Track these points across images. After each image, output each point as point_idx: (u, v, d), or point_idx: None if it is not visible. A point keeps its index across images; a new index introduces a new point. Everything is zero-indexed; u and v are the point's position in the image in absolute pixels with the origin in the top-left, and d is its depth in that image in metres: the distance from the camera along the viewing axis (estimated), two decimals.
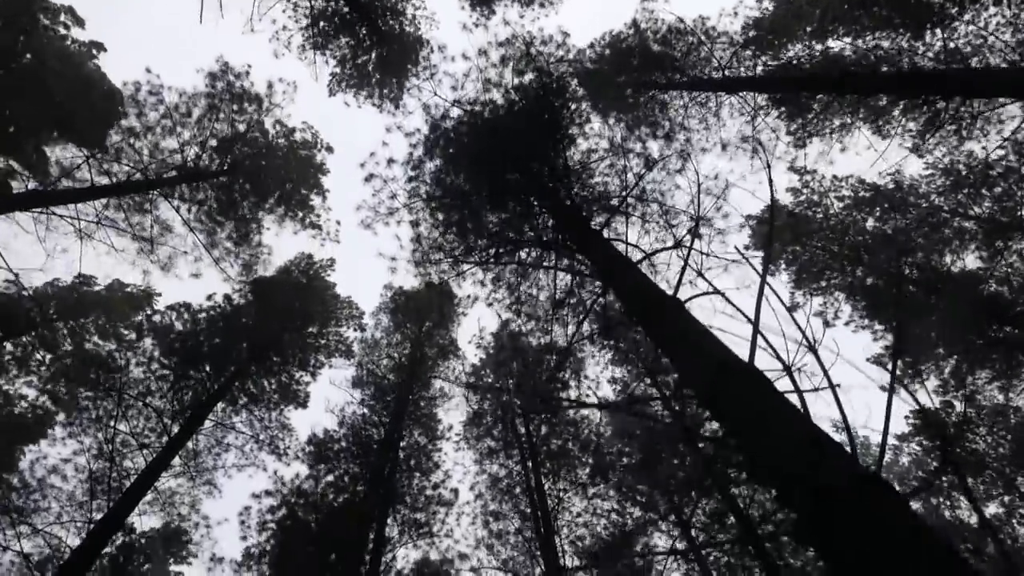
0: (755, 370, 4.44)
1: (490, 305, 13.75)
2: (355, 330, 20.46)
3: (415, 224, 13.36)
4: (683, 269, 6.50)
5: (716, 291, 6.57)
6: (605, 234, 10.76)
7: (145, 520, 15.13)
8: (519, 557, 16.19)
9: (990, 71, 10.13)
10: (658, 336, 5.67)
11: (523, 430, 18.34)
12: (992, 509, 19.58)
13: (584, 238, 8.88)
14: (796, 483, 3.37)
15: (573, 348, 12.39)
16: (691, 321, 5.39)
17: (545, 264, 11.27)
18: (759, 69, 15.81)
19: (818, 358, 4.62)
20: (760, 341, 5.82)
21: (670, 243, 9.49)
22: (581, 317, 10.52)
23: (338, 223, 17.11)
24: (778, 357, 4.89)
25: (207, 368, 15.79)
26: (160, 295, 18.55)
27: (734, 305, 5.70)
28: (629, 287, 6.37)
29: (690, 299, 6.12)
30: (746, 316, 5.45)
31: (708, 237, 10.20)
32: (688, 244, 7.68)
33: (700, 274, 6.18)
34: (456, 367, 20.46)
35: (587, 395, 19.66)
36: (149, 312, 18.01)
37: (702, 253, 8.65)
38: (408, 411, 17.71)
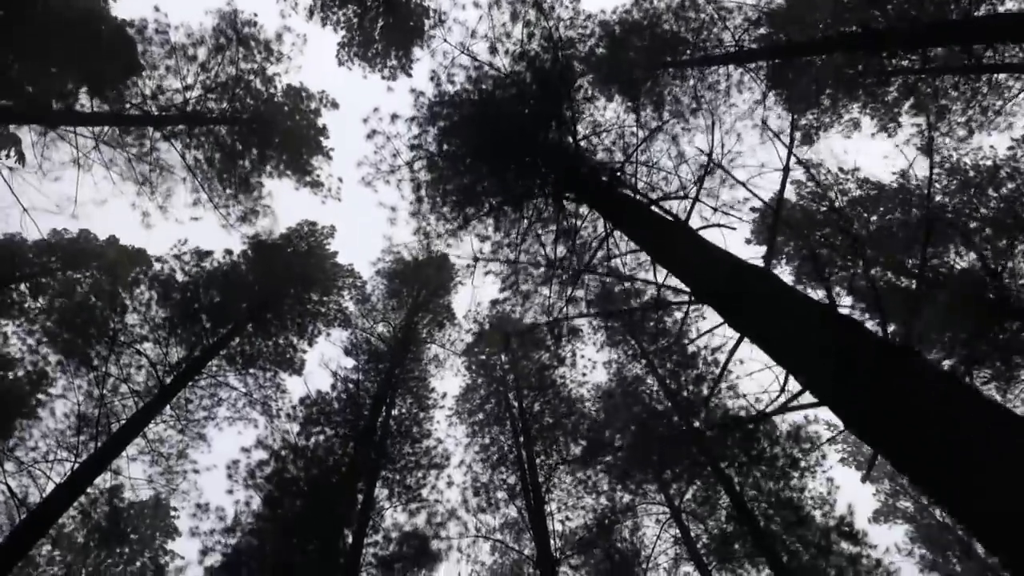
0: (768, 270, 4.35)
1: (487, 273, 13.60)
2: (355, 301, 20.33)
3: (416, 183, 13.17)
4: (692, 204, 6.39)
5: (725, 225, 6.46)
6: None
7: (133, 468, 14.89)
8: (509, 529, 16.10)
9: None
10: (670, 256, 5.57)
11: (516, 404, 18.27)
12: None
13: (590, 189, 8.79)
14: (824, 355, 3.27)
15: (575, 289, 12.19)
16: (702, 238, 5.30)
17: (545, 216, 11.15)
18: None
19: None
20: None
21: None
22: (581, 267, 10.39)
23: (340, 180, 16.91)
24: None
25: (204, 322, 15.64)
26: (159, 261, 18.32)
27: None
28: (640, 217, 6.27)
29: (700, 229, 6.01)
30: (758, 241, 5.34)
31: (715, 189, 10.05)
32: (695, 193, 7.57)
33: (715, 209, 6.08)
34: (452, 335, 20.40)
35: (582, 374, 19.62)
36: (146, 268, 17.85)
37: (712, 208, 8.53)
38: (401, 377, 17.58)
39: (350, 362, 17.45)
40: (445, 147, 12.30)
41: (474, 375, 19.93)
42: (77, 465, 10.97)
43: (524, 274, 12.60)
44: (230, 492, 13.58)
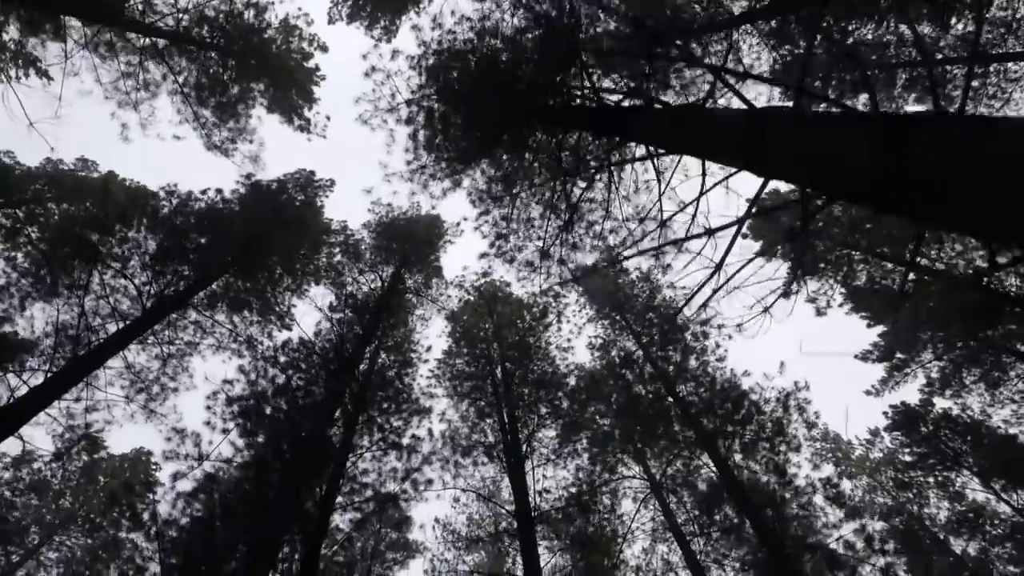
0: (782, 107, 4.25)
1: (478, 228, 13.34)
2: (344, 255, 19.98)
3: (413, 125, 12.86)
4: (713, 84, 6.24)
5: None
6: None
7: (111, 392, 14.61)
8: (488, 483, 15.93)
9: None
10: (687, 134, 5.47)
11: (499, 364, 18.10)
12: None
13: (598, 115, 8.65)
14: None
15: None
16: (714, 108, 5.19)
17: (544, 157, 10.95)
18: None
19: None
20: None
21: None
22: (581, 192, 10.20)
23: (327, 118, 16.65)
24: None
25: (191, 258, 15.38)
26: (158, 199, 18.00)
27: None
28: (652, 117, 6.17)
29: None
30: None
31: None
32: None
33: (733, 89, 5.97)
34: (439, 294, 20.22)
35: (567, 340, 19.48)
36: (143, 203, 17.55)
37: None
38: (386, 331, 17.40)
39: (336, 315, 17.17)
40: (445, 83, 12.01)
41: (457, 335, 19.73)
42: (51, 372, 10.72)
43: (522, 217, 12.35)
44: (207, 423, 13.33)
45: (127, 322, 12.59)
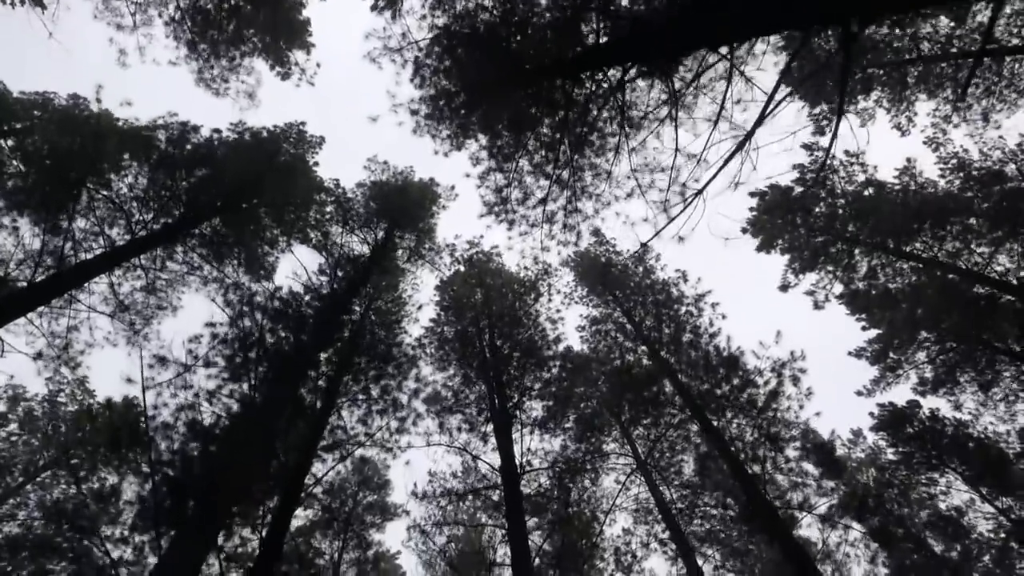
0: None
1: (480, 185, 13.00)
2: (339, 215, 19.41)
3: (422, 73, 12.46)
4: None
5: None
6: None
7: (95, 315, 14.04)
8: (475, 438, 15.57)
9: None
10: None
11: (488, 330, 17.79)
12: None
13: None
14: None
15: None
16: None
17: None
18: None
19: None
20: None
21: None
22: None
23: (318, 65, 16.15)
24: None
25: (182, 196, 14.90)
26: (153, 132, 17.42)
27: None
28: None
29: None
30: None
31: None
32: None
33: None
34: (432, 257, 19.85)
35: (556, 310, 19.17)
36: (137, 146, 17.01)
37: None
38: (376, 285, 17.04)
39: (326, 270, 16.76)
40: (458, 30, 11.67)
41: (447, 301, 19.36)
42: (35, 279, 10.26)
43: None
44: (194, 357, 12.82)
45: (115, 245, 12.12)
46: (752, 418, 13.30)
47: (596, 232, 22.93)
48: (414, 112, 12.45)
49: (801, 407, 13.59)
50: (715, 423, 13.29)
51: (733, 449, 12.53)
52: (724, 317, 16.85)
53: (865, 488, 18.27)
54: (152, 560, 11.07)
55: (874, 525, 18.95)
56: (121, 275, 13.90)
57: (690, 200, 8.02)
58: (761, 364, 14.05)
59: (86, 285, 12.17)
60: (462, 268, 20.40)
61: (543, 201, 11.75)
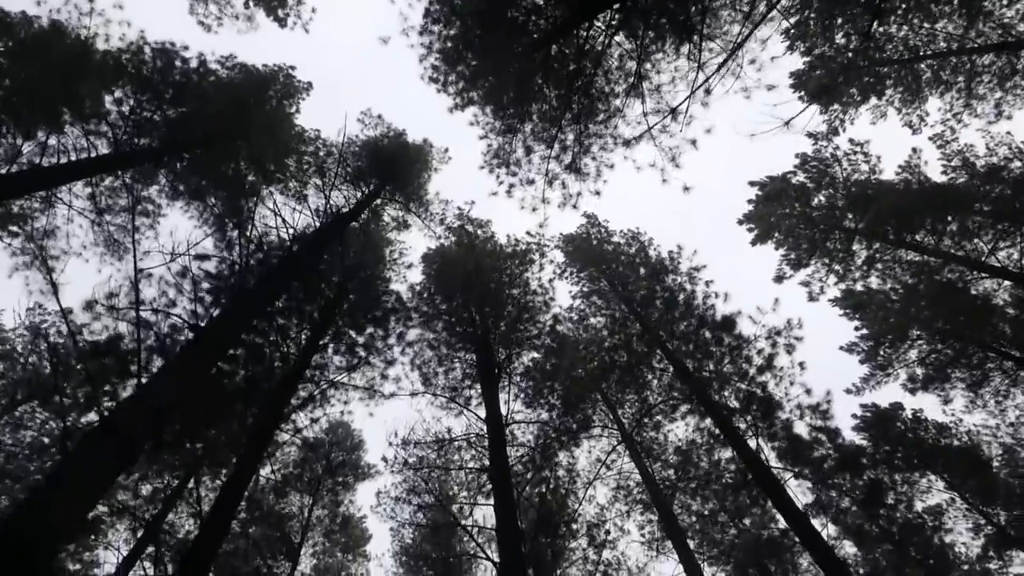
0: None
1: (483, 138, 12.51)
2: (330, 166, 18.43)
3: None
4: None
5: None
6: None
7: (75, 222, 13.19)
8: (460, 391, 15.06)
9: None
10: None
11: (478, 301, 17.24)
12: None
13: None
14: None
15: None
16: None
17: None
18: None
19: None
20: None
21: None
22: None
23: (313, 10, 15.41)
24: None
25: (162, 127, 14.07)
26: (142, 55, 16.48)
27: None
28: None
29: None
30: None
31: None
32: None
33: None
34: (423, 217, 19.21)
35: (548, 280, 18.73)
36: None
37: None
38: (366, 238, 16.48)
39: (317, 219, 16.05)
40: None
41: (436, 266, 18.70)
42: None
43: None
44: (179, 290, 12.12)
45: (99, 153, 11.43)
46: (747, 383, 12.98)
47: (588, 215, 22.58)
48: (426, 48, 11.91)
49: (791, 384, 13.16)
50: (710, 394, 12.94)
51: (726, 413, 12.21)
52: (718, 296, 16.37)
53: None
54: None
55: (850, 524, 18.80)
56: (104, 191, 13.11)
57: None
58: (757, 331, 13.64)
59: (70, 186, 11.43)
60: (453, 238, 19.74)
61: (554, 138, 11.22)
